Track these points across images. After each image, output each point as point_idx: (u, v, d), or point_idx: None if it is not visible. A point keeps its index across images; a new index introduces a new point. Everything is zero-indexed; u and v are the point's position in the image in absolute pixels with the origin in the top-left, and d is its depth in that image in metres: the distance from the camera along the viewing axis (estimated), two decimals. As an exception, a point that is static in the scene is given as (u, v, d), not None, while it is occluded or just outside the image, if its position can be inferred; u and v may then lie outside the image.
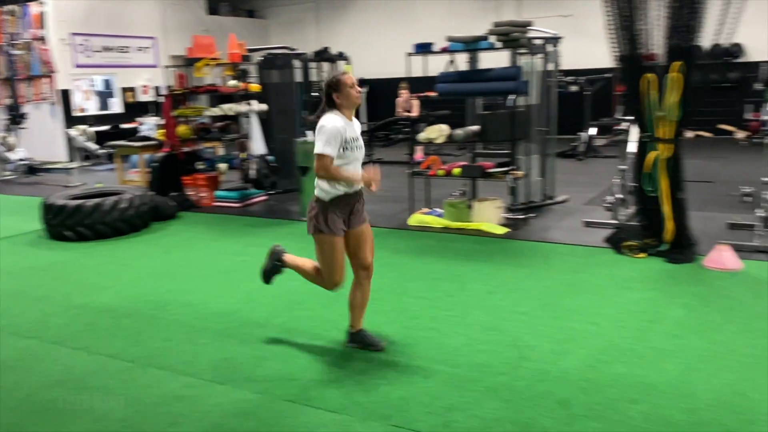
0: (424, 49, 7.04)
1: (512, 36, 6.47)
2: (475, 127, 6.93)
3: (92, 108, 13.75)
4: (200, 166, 8.65)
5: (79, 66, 13.56)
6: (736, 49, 13.21)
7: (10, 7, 13.09)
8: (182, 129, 8.50)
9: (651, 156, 5.30)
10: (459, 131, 6.91)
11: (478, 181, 7.07)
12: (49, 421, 3.14)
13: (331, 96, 3.50)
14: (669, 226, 5.30)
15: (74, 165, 11.73)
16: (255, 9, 18.52)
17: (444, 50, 6.99)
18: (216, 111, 8.46)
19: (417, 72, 7.44)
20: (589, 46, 11.47)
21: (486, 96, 7.63)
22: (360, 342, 3.76)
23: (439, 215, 6.97)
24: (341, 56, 8.18)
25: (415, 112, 11.05)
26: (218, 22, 16.47)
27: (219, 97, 9.15)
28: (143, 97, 14.72)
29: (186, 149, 8.68)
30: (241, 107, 8.37)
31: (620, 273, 5.01)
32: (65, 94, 13.23)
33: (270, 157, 8.70)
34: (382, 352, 3.69)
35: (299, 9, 17.96)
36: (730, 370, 3.37)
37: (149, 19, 15.11)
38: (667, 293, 4.56)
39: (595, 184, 8.62)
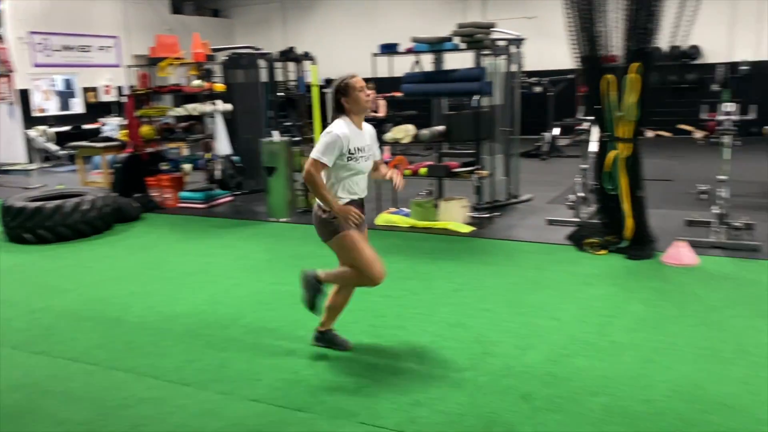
0: (389, 49, 7.09)
1: (476, 37, 6.55)
2: (441, 128, 6.99)
3: (52, 108, 13.47)
4: (164, 166, 8.55)
5: (38, 65, 13.26)
6: (694, 52, 13.58)
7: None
8: (146, 129, 8.39)
9: (611, 155, 5.42)
10: (425, 131, 6.97)
11: (444, 181, 7.14)
12: (9, 425, 3.08)
13: (340, 101, 3.37)
14: (629, 223, 5.44)
15: (34, 166, 11.47)
16: (220, 8, 18.35)
17: (409, 51, 7.04)
18: (180, 111, 8.37)
19: (383, 72, 7.47)
20: (552, 48, 11.65)
21: (451, 96, 7.70)
22: (328, 342, 3.77)
23: (406, 215, 7.02)
24: (307, 56, 8.16)
25: (381, 113, 11.09)
26: (182, 22, 16.27)
27: (183, 97, 9.04)
28: (105, 97, 14.46)
29: (150, 150, 8.57)
30: (205, 107, 8.29)
31: (582, 269, 5.12)
32: (24, 94, 12.92)
33: (235, 158, 8.64)
34: (347, 354, 3.70)
35: (265, 9, 17.85)
36: (685, 361, 3.47)
37: (111, 18, 14.85)
38: (626, 289, 4.68)
39: (558, 183, 8.76)
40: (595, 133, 5.83)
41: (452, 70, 7.03)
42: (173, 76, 8.75)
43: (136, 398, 3.27)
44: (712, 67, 13.35)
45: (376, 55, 7.18)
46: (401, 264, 5.46)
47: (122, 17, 15.09)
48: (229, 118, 8.73)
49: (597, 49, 5.40)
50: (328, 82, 16.10)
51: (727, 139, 5.91)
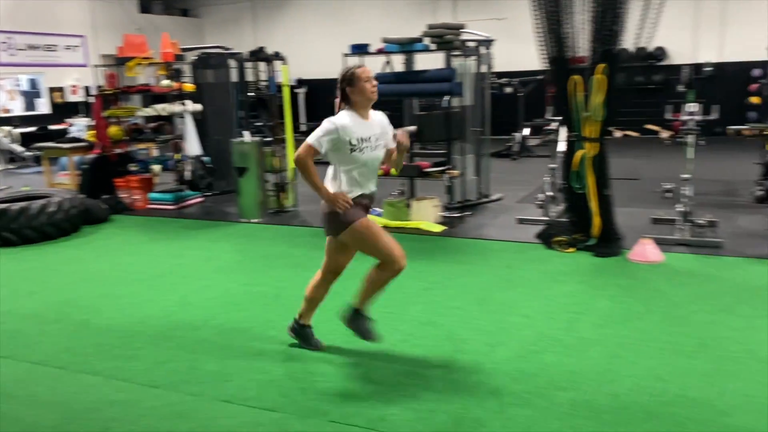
0: (360, 49, 7.11)
1: (446, 38, 6.61)
2: (412, 128, 7.01)
3: (17, 108, 13.19)
4: (133, 167, 8.44)
5: (2, 65, 12.99)
6: (660, 53, 13.87)
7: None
8: (114, 130, 8.27)
9: (578, 155, 5.51)
10: (397, 131, 6.98)
11: (417, 181, 7.18)
12: (-28, 432, 3.03)
13: (345, 91, 3.30)
14: (596, 221, 5.54)
15: (-2, 168, 11.23)
16: (189, 8, 18.17)
17: (380, 51, 7.07)
18: (149, 111, 8.28)
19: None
20: (522, 49, 11.76)
21: (421, 97, 7.75)
22: (303, 338, 3.75)
23: (378, 214, 7.04)
24: (277, 56, 8.13)
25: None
26: (151, 21, 16.08)
27: (152, 97, 8.94)
28: (72, 98, 14.23)
29: (118, 151, 8.45)
30: (174, 107, 8.21)
31: (550, 267, 5.20)
32: (-13, 94, 12.66)
33: (206, 158, 8.58)
34: (319, 353, 3.71)
35: (235, 8, 17.73)
36: (650, 356, 3.56)
37: (78, 17, 14.60)
38: (594, 286, 4.77)
39: (528, 182, 8.87)
40: (563, 133, 5.92)
41: (423, 71, 7.08)
42: (142, 76, 8.64)
43: (104, 401, 3.23)
44: (677, 68, 13.64)
45: (347, 55, 7.19)
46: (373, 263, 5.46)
47: (89, 16, 14.86)
48: (199, 119, 8.66)
49: (564, 51, 5.49)
50: (300, 82, 16.11)
51: (690, 139, 6.05)
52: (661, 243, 5.48)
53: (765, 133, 7.43)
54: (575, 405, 3.05)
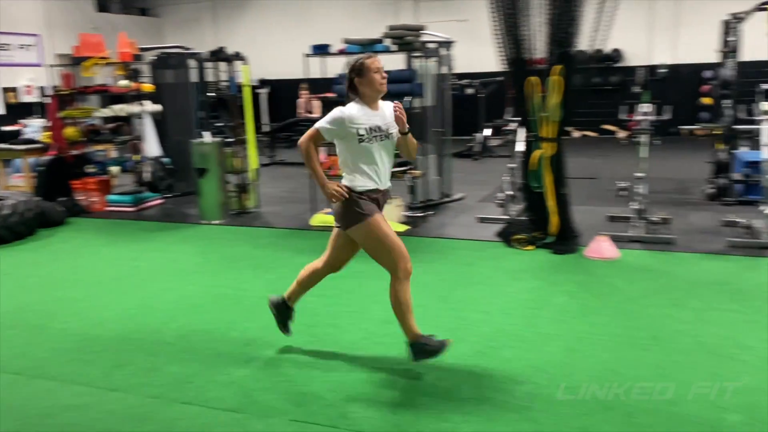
0: (321, 50, 7.12)
1: (406, 39, 6.66)
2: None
3: (-32, 109, 12.79)
4: (90, 169, 8.28)
5: (-49, 64, 12.59)
6: (616, 55, 14.20)
7: None
8: (70, 131, 8.10)
9: (536, 154, 5.62)
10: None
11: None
12: None
13: (353, 81, 3.23)
14: (554, 219, 5.66)
15: (-52, 170, 10.86)
16: (148, 7, 17.87)
17: (341, 52, 7.08)
18: (106, 112, 8.14)
19: (316, 73, 7.49)
20: (483, 50, 11.86)
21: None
22: (280, 315, 3.70)
23: (341, 215, 7.05)
24: (238, 56, 8.07)
25: (316, 113, 11.08)
26: (108, 20, 15.76)
27: (110, 97, 8.79)
28: (27, 98, 13.85)
29: (75, 152, 8.28)
30: (133, 108, 8.09)
31: (510, 265, 5.29)
32: (-64, 94, 12.24)
33: (165, 159, 8.47)
34: (281, 353, 3.71)
35: (195, 8, 17.51)
36: (605, 349, 3.66)
37: (32, 16, 14.22)
38: (551, 282, 4.87)
39: (489, 182, 8.99)
40: (522, 133, 6.03)
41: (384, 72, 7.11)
42: (99, 76, 8.49)
43: (61, 406, 3.18)
44: (633, 69, 13.98)
45: (308, 55, 7.19)
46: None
47: (44, 14, 14.49)
48: (159, 119, 8.55)
49: (522, 52, 5.60)
50: (263, 82, 16.00)
51: (644, 139, 6.22)
52: (617, 240, 5.63)
53: (715, 132, 7.70)
54: (533, 398, 3.12)
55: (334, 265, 3.58)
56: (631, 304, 4.35)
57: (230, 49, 8.39)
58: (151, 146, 8.21)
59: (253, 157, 7.80)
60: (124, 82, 8.10)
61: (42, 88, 13.61)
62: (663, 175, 8.61)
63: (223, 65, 8.49)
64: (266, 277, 5.21)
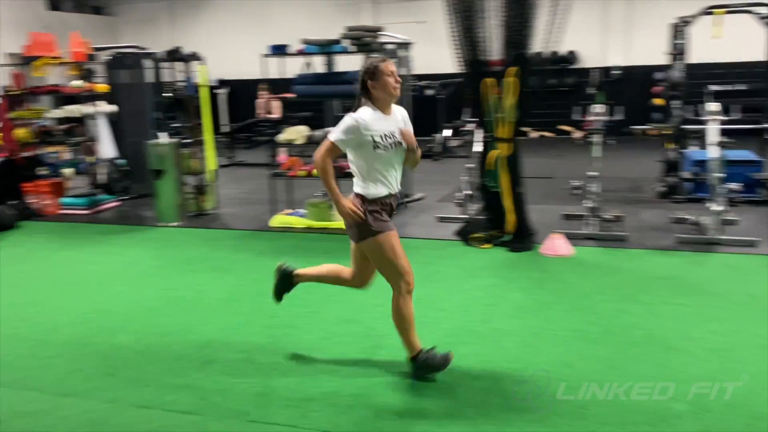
0: (279, 50, 7.09)
1: (364, 40, 6.69)
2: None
3: None
4: (43, 171, 8.09)
5: None
6: (572, 57, 14.50)
7: None
8: (21, 132, 7.90)
9: (492, 154, 5.72)
10: (319, 132, 7.02)
11: (342, 182, 7.20)
12: None
13: (366, 84, 3.13)
14: (510, 218, 5.76)
15: None
16: (103, 6, 17.51)
17: (299, 52, 7.07)
18: (59, 113, 7.96)
19: (275, 74, 7.46)
20: (443, 52, 11.90)
21: (341, 98, 7.80)
22: (282, 285, 3.70)
23: (302, 215, 7.05)
24: (194, 56, 7.99)
25: (276, 114, 11.02)
26: (60, 19, 15.38)
27: (63, 98, 8.59)
28: (-25, 98, 13.42)
29: (26, 154, 8.07)
30: (87, 109, 7.93)
31: (468, 263, 5.37)
32: None
33: (121, 161, 8.32)
34: (239, 355, 3.69)
35: (151, 7, 17.23)
36: (559, 343, 3.75)
37: (-21, 13, 13.79)
38: (508, 279, 4.97)
39: (448, 182, 9.06)
40: (479, 134, 6.13)
41: (343, 72, 7.13)
42: (51, 76, 8.29)
43: (12, 413, 3.12)
44: (588, 71, 14.30)
45: (266, 56, 7.16)
46: (296, 264, 5.48)
47: (-8, 12, 14.07)
48: (114, 120, 8.39)
49: (478, 54, 5.69)
50: (222, 82, 15.83)
51: (597, 139, 6.39)
52: (571, 237, 5.76)
53: (665, 132, 7.94)
54: (488, 392, 3.19)
55: (358, 281, 3.49)
56: (584, 300, 4.47)
57: (188, 49, 8.30)
58: (106, 148, 8.07)
59: (211, 158, 7.73)
60: (77, 83, 7.92)
61: (-9, 89, 13.20)
62: (616, 174, 8.83)
63: (180, 65, 8.39)
64: (225, 279, 5.17)
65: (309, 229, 6.75)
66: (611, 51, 14.33)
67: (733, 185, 6.03)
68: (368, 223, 3.15)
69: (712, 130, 6.28)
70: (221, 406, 3.12)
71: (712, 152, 6.14)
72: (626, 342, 3.76)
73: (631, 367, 3.43)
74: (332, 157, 3.16)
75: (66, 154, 9.32)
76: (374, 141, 3.10)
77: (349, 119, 3.11)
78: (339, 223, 6.73)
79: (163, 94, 8.21)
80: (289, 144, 7.21)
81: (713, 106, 6.45)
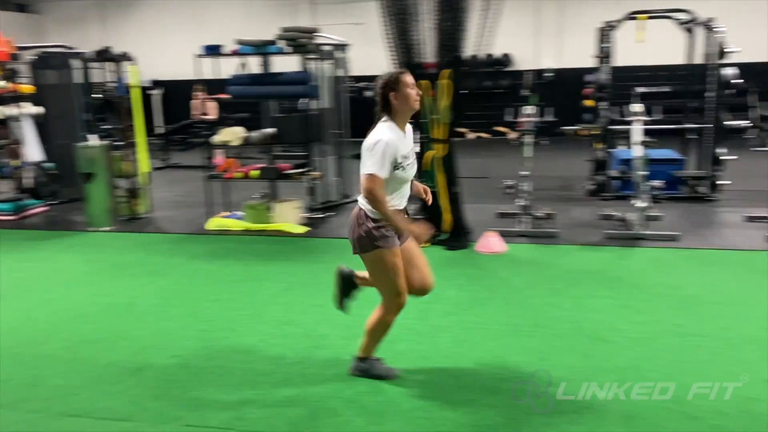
0: (213, 51, 7.00)
1: (299, 41, 6.69)
2: (271, 130, 7.04)
3: None
4: (-37, 176, 7.72)
5: None
6: (506, 59, 14.86)
7: None
8: (-62, 135, 7.50)
9: (428, 155, 5.82)
10: (255, 134, 6.98)
11: (281, 183, 7.19)
12: None
13: (388, 97, 2.97)
14: (447, 217, 5.88)
15: None
16: (27, 3, 16.80)
17: (234, 53, 7.00)
18: (-21, 115, 7.60)
19: (210, 74, 7.36)
20: (381, 53, 12.01)
21: (278, 99, 7.78)
22: (344, 289, 3.48)
23: (239, 218, 6.97)
24: (125, 56, 7.78)
25: (211, 115, 10.85)
26: (-18, 16, 14.70)
27: (-16, 99, 8.18)
28: None
29: (-56, 158, 7.68)
30: (10, 110, 7.61)
31: (406, 262, 5.44)
32: None
33: (49, 164, 8.02)
34: (174, 360, 3.65)
35: (80, 5, 16.65)
36: (492, 338, 3.86)
37: None
38: (444, 277, 5.04)
39: (387, 182, 9.16)
40: (415, 135, 6.21)
41: (278, 73, 7.10)
42: (-29, 75, 7.90)
43: (-70, 428, 2.98)
44: (521, 73, 14.68)
45: (199, 56, 7.05)
46: (233, 267, 5.44)
47: None
48: (41, 122, 8.08)
49: (413, 57, 5.77)
50: (156, 83, 15.45)
51: (528, 139, 6.58)
52: (505, 235, 5.92)
53: (593, 133, 8.25)
54: (423, 386, 3.26)
55: (420, 287, 3.31)
56: (516, 295, 4.61)
57: (119, 49, 8.07)
58: (32, 151, 7.76)
59: (143, 161, 7.55)
60: (-1, 83, 7.60)
61: None
62: (548, 173, 9.12)
63: (110, 66, 8.15)
64: (159, 284, 5.08)
65: (247, 232, 6.69)
66: (544, 54, 14.75)
67: (657, 183, 6.33)
68: (369, 237, 3.04)
69: (636, 130, 6.56)
70: (155, 412, 3.07)
71: (636, 151, 6.42)
72: (555, 334, 3.90)
73: (560, 358, 3.56)
74: (382, 187, 2.94)
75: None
76: (397, 162, 2.98)
77: (381, 145, 2.91)
78: (276, 225, 6.71)
79: (93, 96, 7.96)
80: (224, 145, 7.13)
81: (637, 107, 6.74)
